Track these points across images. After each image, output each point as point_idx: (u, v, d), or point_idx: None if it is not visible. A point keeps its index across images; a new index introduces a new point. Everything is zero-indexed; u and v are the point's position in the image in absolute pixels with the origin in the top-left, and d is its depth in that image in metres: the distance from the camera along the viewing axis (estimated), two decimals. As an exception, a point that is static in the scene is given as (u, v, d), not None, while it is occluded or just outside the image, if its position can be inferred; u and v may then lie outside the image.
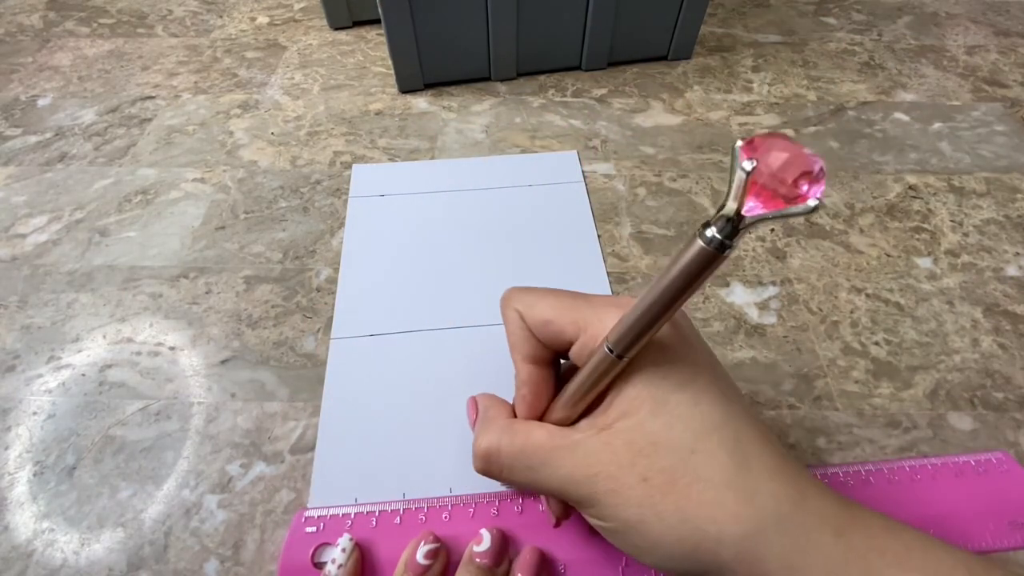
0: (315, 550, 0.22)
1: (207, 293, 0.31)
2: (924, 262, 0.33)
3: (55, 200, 0.36)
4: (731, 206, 0.13)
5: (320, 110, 0.43)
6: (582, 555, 0.22)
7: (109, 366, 0.28)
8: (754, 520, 0.16)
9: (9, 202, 0.36)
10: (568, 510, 0.21)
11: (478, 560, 0.21)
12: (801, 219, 0.35)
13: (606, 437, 0.18)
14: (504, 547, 0.22)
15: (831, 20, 0.52)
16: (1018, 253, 0.33)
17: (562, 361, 0.22)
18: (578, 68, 0.46)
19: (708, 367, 0.18)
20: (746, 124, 0.41)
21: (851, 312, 0.30)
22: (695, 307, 0.30)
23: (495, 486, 0.24)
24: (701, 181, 0.37)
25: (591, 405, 0.19)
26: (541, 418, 0.21)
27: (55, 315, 0.30)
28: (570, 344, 0.20)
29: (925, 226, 0.35)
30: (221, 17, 0.53)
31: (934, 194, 0.36)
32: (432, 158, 0.39)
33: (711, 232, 0.14)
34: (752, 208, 0.13)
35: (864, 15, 0.52)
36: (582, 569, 0.22)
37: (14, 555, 0.23)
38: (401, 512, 0.23)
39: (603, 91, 0.44)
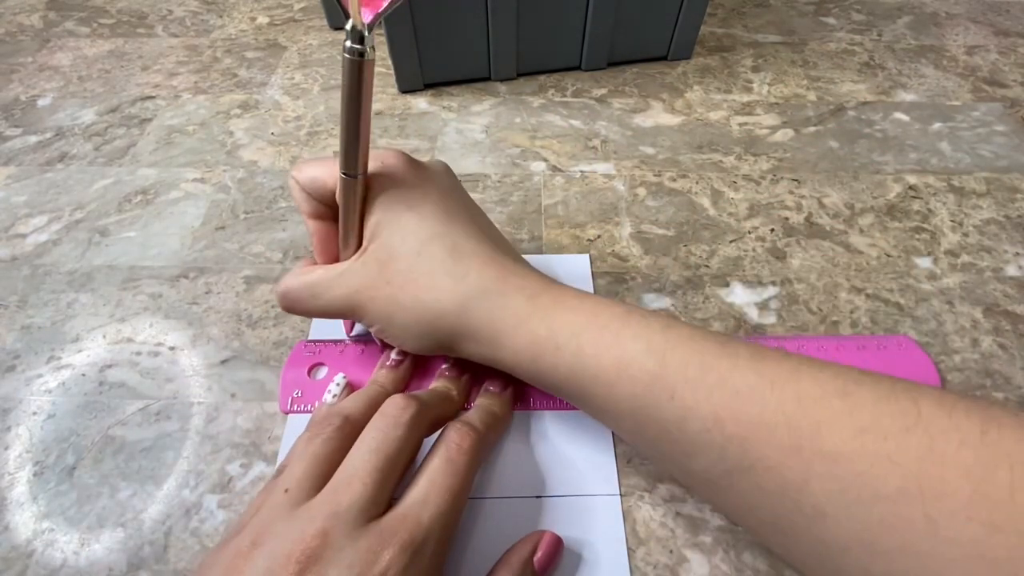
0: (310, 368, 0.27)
1: (207, 293, 0.31)
2: (924, 262, 0.33)
3: (55, 200, 0.36)
4: (353, 21, 0.18)
5: (320, 110, 0.43)
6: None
7: (109, 366, 0.28)
8: (463, 293, 0.21)
9: (9, 202, 0.36)
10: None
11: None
12: (801, 219, 0.35)
13: (363, 258, 0.22)
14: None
15: (831, 20, 0.52)
16: (1018, 253, 0.33)
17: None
18: (578, 68, 0.46)
19: (443, 193, 0.23)
20: (746, 124, 0.41)
21: (851, 312, 0.30)
22: (695, 307, 0.30)
23: None
24: (701, 181, 0.37)
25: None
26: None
27: (55, 315, 0.30)
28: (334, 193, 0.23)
29: (925, 226, 0.35)
30: (221, 17, 0.53)
31: (934, 194, 0.36)
32: (432, 158, 0.39)
33: (348, 45, 0.18)
34: (367, 14, 0.18)
35: (864, 15, 0.52)
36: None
37: (14, 555, 0.23)
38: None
39: (603, 91, 0.44)
